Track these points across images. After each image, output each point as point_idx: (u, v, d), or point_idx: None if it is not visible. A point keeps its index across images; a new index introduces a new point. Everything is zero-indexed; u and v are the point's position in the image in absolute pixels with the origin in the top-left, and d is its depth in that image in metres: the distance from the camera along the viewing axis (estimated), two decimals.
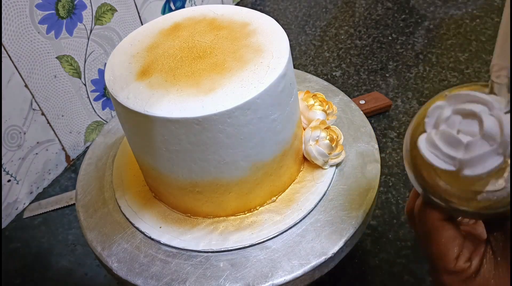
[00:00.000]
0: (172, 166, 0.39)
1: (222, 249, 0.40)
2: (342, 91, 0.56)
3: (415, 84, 0.80)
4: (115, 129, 0.55)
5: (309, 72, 0.60)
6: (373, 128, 0.51)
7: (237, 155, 0.38)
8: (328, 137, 0.45)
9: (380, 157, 0.48)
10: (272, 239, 0.41)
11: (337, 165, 0.47)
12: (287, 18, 1.01)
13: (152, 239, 0.42)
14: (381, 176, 0.46)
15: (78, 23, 0.66)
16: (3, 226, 0.67)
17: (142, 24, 0.78)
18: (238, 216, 0.43)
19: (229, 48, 0.40)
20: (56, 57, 0.65)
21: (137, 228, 0.43)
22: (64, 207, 0.68)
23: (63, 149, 0.73)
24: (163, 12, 0.83)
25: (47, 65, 0.64)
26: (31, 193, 0.70)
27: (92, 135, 0.77)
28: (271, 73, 0.37)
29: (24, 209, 0.69)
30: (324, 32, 0.96)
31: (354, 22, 0.97)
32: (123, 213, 0.45)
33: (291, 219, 0.42)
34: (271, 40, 0.41)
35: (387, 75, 0.83)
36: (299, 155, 0.46)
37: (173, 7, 0.85)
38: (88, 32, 0.69)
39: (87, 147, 0.73)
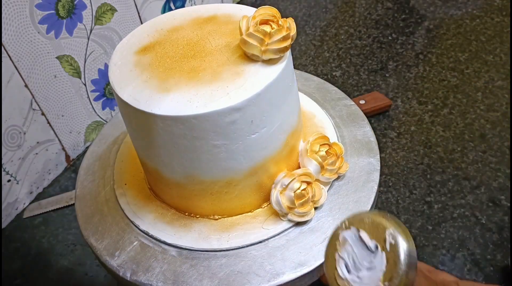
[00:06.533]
0: (171, 165, 0.39)
1: (222, 249, 0.40)
2: (342, 91, 0.56)
3: (415, 84, 0.80)
4: (115, 129, 0.55)
5: (309, 72, 0.60)
6: (373, 128, 0.51)
7: (236, 155, 0.38)
8: (300, 190, 0.39)
9: (380, 157, 0.48)
10: (272, 239, 0.41)
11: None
12: None
13: (152, 239, 0.42)
14: (381, 176, 0.46)
15: (78, 23, 0.67)
16: (3, 226, 0.67)
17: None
18: (238, 216, 0.43)
19: (229, 47, 0.40)
20: (56, 57, 0.65)
21: (137, 227, 0.43)
22: (64, 207, 0.68)
23: (63, 149, 0.73)
24: (163, 12, 0.83)
25: (47, 65, 0.64)
26: (31, 193, 0.70)
27: (92, 135, 0.77)
28: (271, 73, 0.37)
29: (24, 209, 0.69)
30: (324, 32, 0.96)
31: (354, 22, 0.97)
32: (123, 213, 0.45)
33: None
34: None
35: (387, 75, 0.83)
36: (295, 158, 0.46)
37: (173, 7, 0.85)
38: (88, 32, 0.69)
39: (87, 147, 0.73)
